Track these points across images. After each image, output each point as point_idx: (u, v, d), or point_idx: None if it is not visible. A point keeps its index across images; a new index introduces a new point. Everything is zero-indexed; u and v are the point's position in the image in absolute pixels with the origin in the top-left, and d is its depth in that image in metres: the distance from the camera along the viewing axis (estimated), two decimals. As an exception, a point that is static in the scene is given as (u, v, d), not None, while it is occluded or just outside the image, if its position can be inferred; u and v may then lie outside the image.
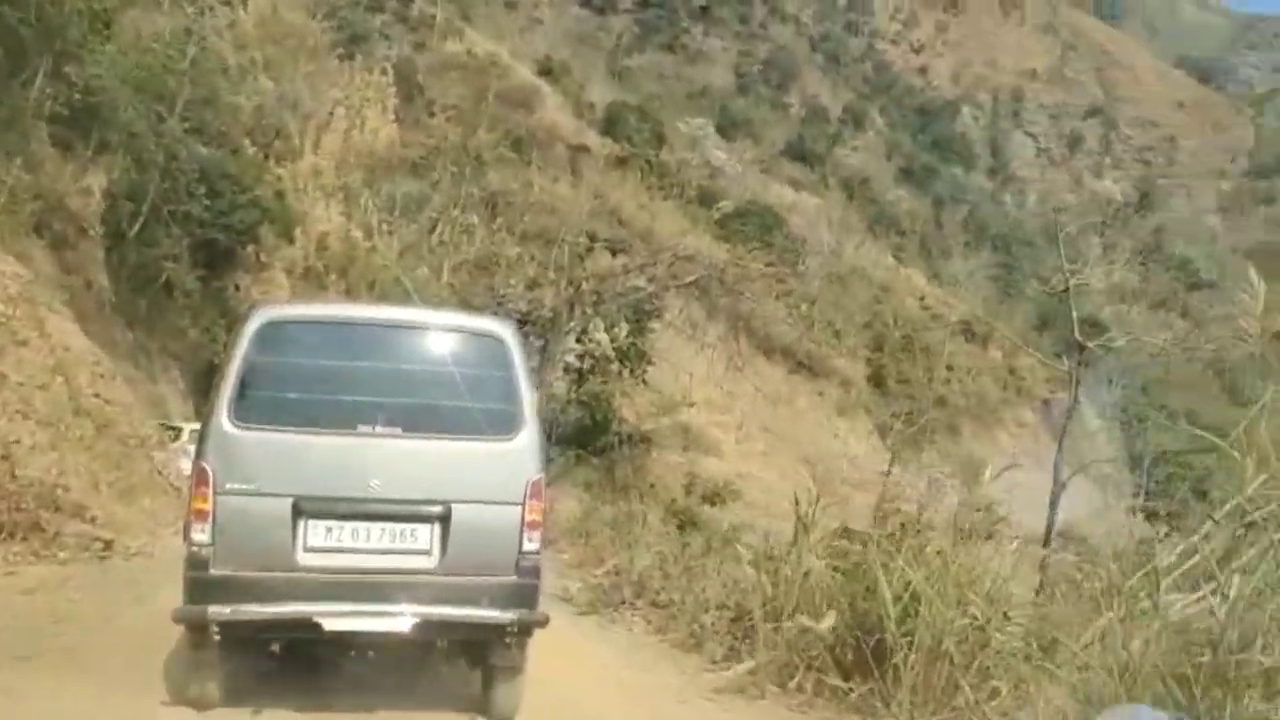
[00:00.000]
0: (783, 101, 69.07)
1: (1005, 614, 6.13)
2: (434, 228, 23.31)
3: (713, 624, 7.75)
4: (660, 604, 8.66)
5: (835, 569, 6.93)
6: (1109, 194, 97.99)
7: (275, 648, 5.45)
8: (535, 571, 5.27)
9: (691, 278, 13.45)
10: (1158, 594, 6.35)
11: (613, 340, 13.10)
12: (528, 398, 5.44)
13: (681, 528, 10.94)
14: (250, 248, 19.88)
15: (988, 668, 5.86)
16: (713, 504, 14.51)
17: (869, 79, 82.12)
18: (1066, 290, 13.18)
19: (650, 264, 13.30)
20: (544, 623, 5.30)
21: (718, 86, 63.61)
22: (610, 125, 32.58)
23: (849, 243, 38.40)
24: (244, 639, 5.02)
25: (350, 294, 21.41)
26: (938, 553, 6.48)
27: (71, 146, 16.83)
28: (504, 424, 5.28)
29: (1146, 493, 23.78)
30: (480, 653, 5.39)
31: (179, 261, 18.57)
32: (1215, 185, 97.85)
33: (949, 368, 33.34)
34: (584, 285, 12.10)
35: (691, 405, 17.60)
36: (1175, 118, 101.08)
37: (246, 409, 5.03)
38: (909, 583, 6.04)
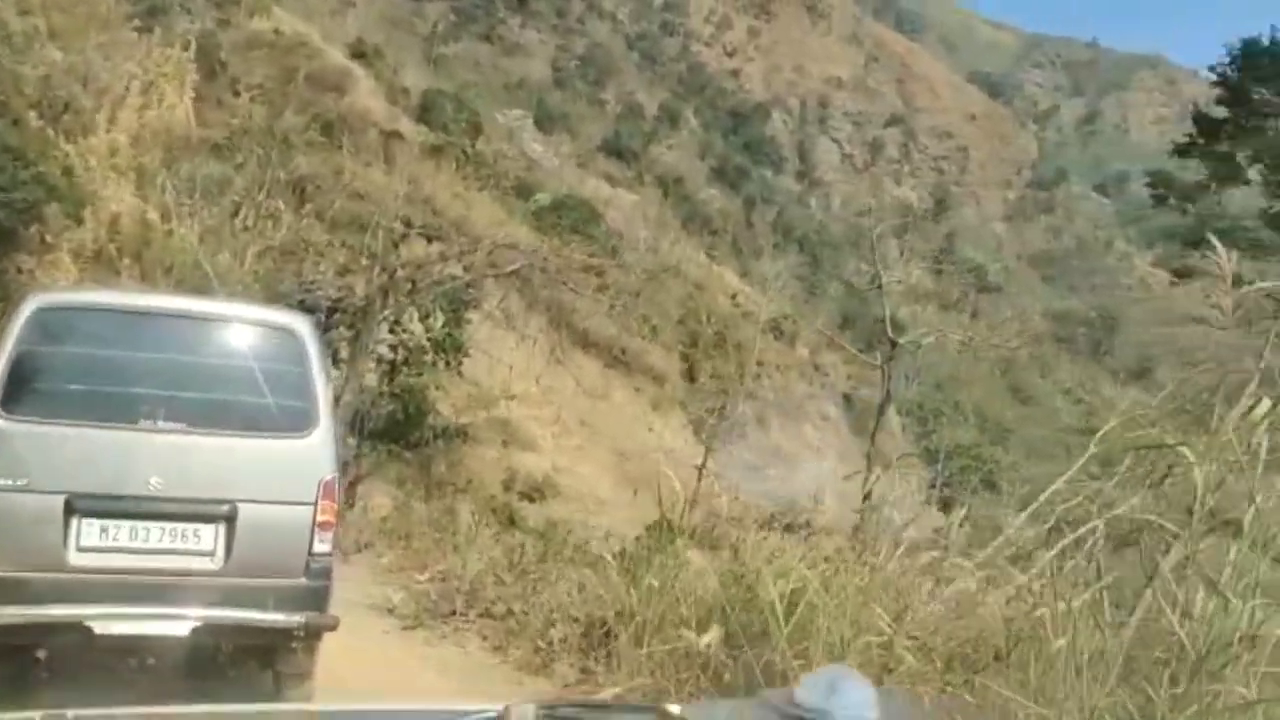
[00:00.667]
0: (599, 97, 69.37)
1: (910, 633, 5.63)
2: (237, 212, 22.18)
3: (563, 639, 7.21)
4: (497, 615, 8.03)
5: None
6: (907, 200, 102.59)
7: (41, 655, 5.09)
8: (326, 573, 5.14)
9: (512, 266, 13.18)
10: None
11: (428, 331, 12.74)
12: (323, 394, 5.26)
13: (502, 525, 10.70)
14: (34, 228, 18.44)
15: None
16: (532, 500, 14.27)
17: (684, 79, 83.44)
18: (879, 288, 13.66)
19: (469, 252, 12.96)
20: (333, 626, 5.15)
21: (534, 79, 63.33)
22: (425, 112, 31.88)
23: (664, 239, 38.80)
24: (8, 645, 4.73)
25: (145, 280, 20.17)
26: (825, 558, 6.27)
27: None
28: (297, 421, 5.11)
29: (944, 484, 24.95)
30: (269, 658, 5.21)
31: (-48, 241, 17.08)
32: (1002, 194, 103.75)
33: (759, 364, 34.04)
34: (398, 273, 11.65)
35: (512, 398, 17.34)
36: (967, 129, 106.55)
37: (17, 400, 4.76)
38: (792, 590, 5.63)
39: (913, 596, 6.16)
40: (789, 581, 5.67)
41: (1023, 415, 71.73)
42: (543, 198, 30.07)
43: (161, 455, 4.91)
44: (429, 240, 14.02)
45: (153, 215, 21.27)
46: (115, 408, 4.95)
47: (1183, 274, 22.65)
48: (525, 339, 18.96)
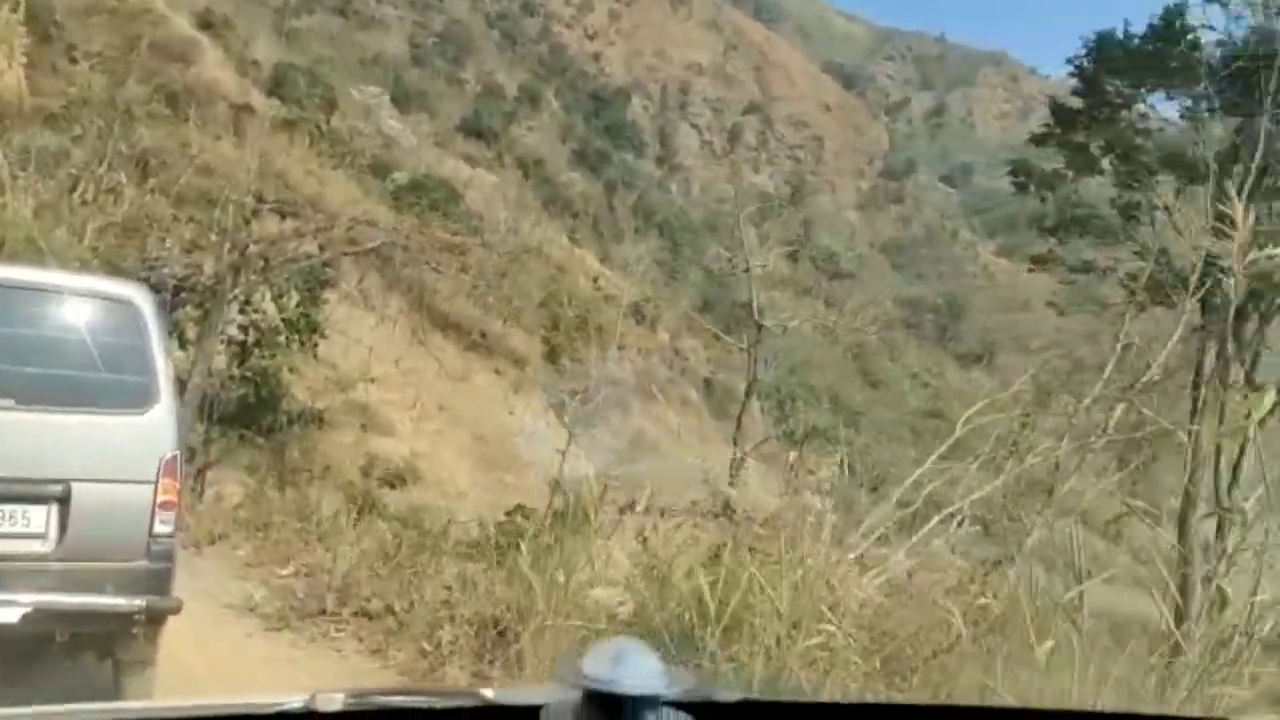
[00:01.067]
0: (458, 76, 68.29)
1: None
2: (75, 186, 21.02)
3: (452, 641, 6.63)
4: (374, 614, 7.38)
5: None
6: (764, 187, 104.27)
7: None
8: (168, 555, 4.97)
9: (372, 244, 12.77)
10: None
11: (281, 310, 12.24)
12: (163, 369, 5.06)
13: (362, 513, 10.34)
14: None
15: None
16: (393, 486, 13.85)
17: (544, 61, 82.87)
18: (747, 271, 13.79)
19: (326, 228, 12.50)
20: (176, 609, 4.97)
21: (391, 55, 61.90)
22: (277, 86, 30.81)
23: (525, 221, 38.51)
24: None
25: (-27, 255, 18.97)
26: (751, 549, 5.74)
27: None
28: (136, 396, 4.90)
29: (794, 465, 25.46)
30: (108, 645, 4.97)
31: None
32: (855, 184, 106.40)
33: (620, 347, 34.11)
34: (250, 249, 11.13)
35: (371, 381, 16.86)
36: (822, 119, 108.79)
37: None
38: (716, 584, 5.20)
39: (846, 590, 5.98)
40: (718, 576, 5.37)
41: (873, 399, 73.80)
42: (400, 176, 29.47)
43: None
44: (283, 217, 13.43)
45: (-20, 187, 20.01)
46: None
47: (1039, 261, 23.49)
48: (384, 320, 18.48)
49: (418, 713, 1.32)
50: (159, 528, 4.88)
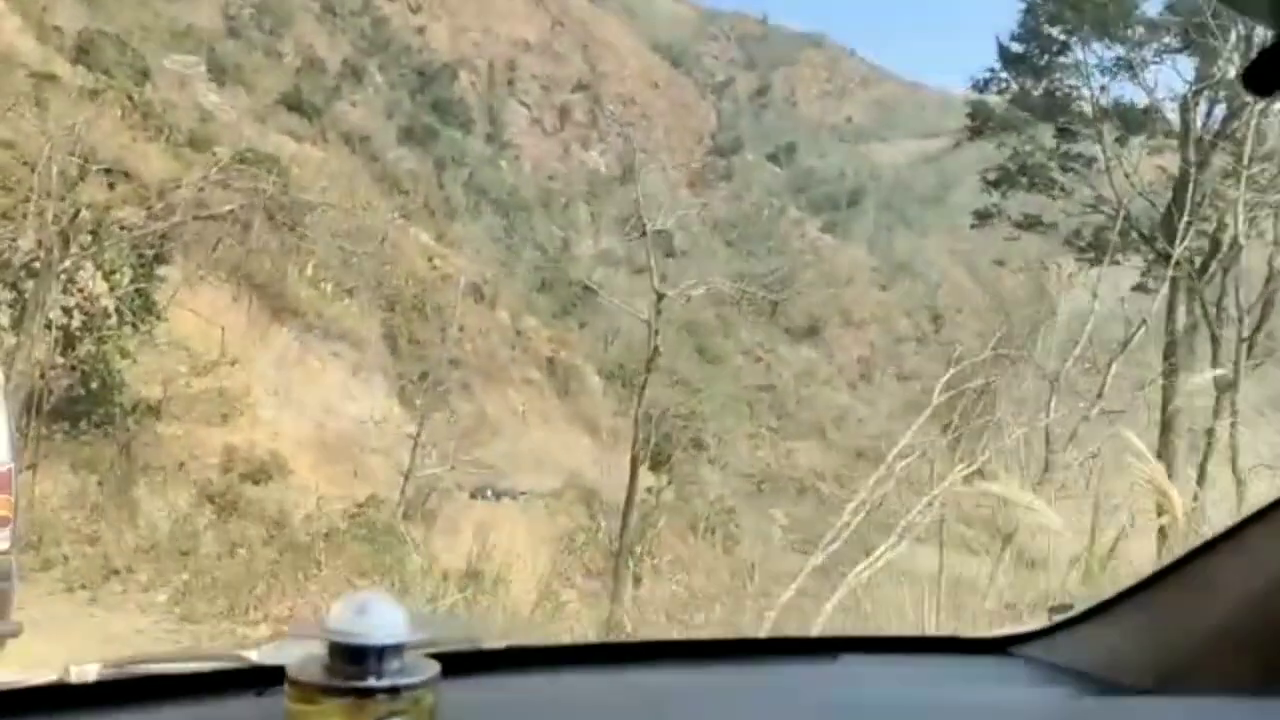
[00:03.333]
0: (277, 49, 65.35)
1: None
2: None
3: None
4: None
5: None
6: (595, 165, 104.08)
7: None
8: (4, 575, 4.73)
9: (228, 207, 11.68)
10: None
11: (112, 289, 11.03)
12: None
13: (221, 513, 9.40)
14: None
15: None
16: (257, 482, 12.69)
17: (367, 34, 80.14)
18: (643, 234, 13.49)
19: (171, 189, 11.32)
20: (15, 633, 4.78)
21: (205, 27, 58.68)
22: (83, 54, 28.63)
23: (355, 200, 37.09)
24: None
25: None
26: None
27: None
28: None
29: (654, 445, 25.25)
30: None
31: None
32: (685, 162, 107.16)
33: (460, 328, 33.34)
34: (81, 214, 9.87)
35: (221, 366, 15.60)
36: (651, 97, 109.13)
37: None
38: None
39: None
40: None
41: (710, 374, 74.69)
42: (222, 151, 27.79)
43: None
44: (111, 186, 12.08)
45: None
46: None
47: (983, 216, 23.52)
48: (236, 301, 17.11)
49: (178, 678, 1.27)
50: None
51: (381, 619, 0.99)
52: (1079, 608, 1.67)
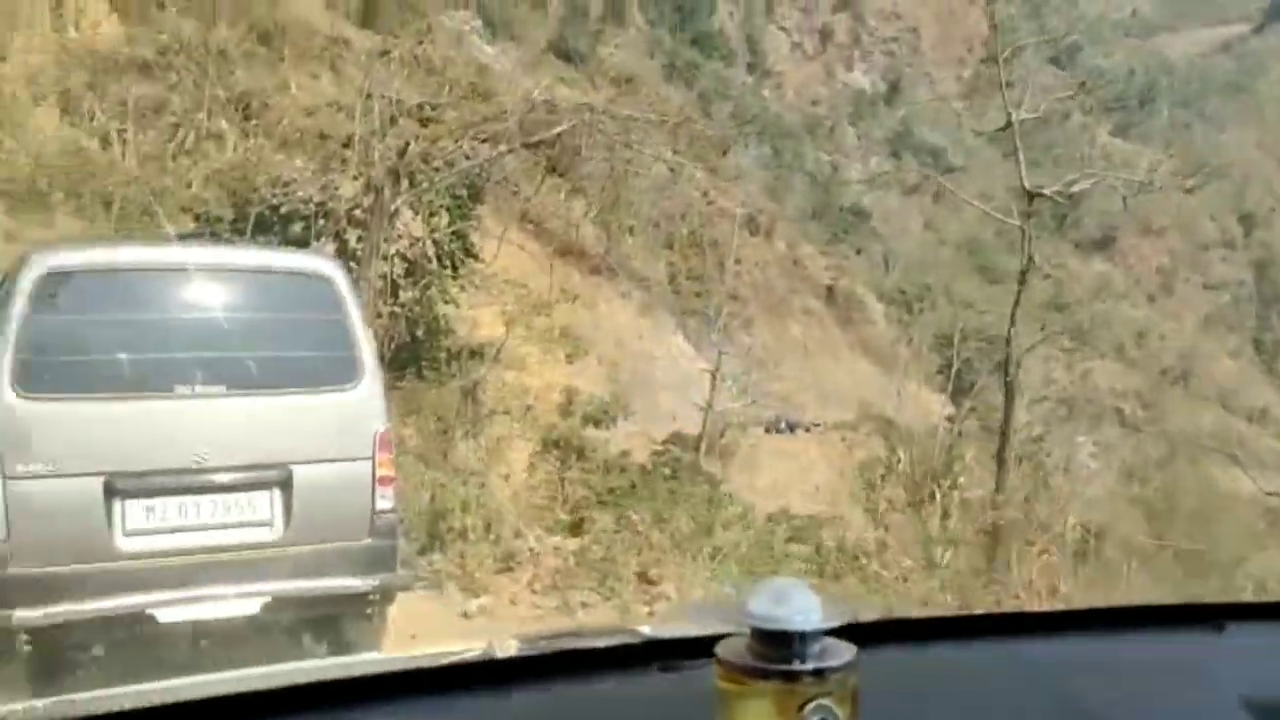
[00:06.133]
0: (542, 0, 66.70)
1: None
2: (175, 134, 20.32)
3: None
4: None
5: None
6: (859, 85, 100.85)
7: (99, 651, 4.51)
8: (392, 531, 4.89)
9: (557, 129, 11.51)
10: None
11: (432, 231, 11.07)
12: (365, 341, 4.96)
13: (564, 461, 9.32)
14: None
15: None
16: (598, 425, 12.63)
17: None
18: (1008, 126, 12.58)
19: (500, 116, 11.22)
20: (408, 586, 5.05)
21: (473, -17, 60.51)
22: (369, 18, 29.88)
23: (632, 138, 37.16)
24: (59, 644, 4.31)
25: (83, 216, 18.45)
26: None
27: None
28: (341, 372, 4.82)
29: (958, 371, 24.00)
30: (331, 628, 4.84)
31: None
32: (956, 73, 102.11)
33: (737, 261, 32.85)
34: (410, 149, 9.84)
35: (575, 299, 15.46)
36: (916, 9, 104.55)
37: (34, 376, 4.32)
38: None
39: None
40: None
41: (990, 295, 71.26)
42: (503, 100, 28.34)
43: (203, 422, 4.56)
44: (424, 123, 12.09)
45: (89, 144, 19.40)
46: (146, 376, 4.57)
47: None
48: (505, 245, 17.25)
49: (583, 653, 1.35)
50: (380, 504, 4.75)
51: (801, 605, 1.01)
52: None
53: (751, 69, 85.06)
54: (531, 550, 7.36)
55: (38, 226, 17.69)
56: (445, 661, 1.32)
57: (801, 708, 0.99)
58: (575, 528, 8.49)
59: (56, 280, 4.51)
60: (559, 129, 11.62)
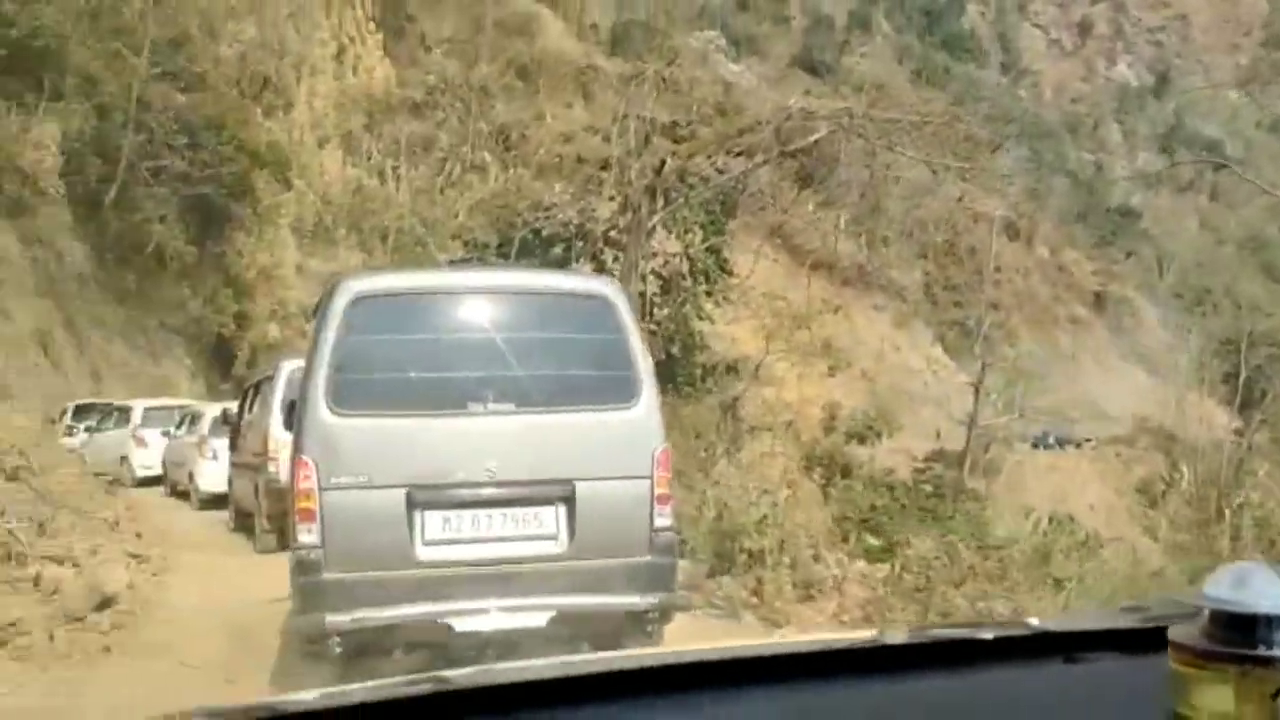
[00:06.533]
0: (784, 15, 66.58)
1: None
2: (443, 168, 21.44)
3: None
4: None
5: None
6: (1123, 79, 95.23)
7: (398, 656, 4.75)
8: (671, 549, 4.95)
9: (814, 136, 11.39)
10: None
11: (687, 247, 11.13)
12: (643, 360, 5.05)
13: (829, 480, 9.12)
14: (246, 203, 18.07)
15: None
16: (862, 441, 12.37)
17: (869, -16, 79.35)
18: None
19: (754, 128, 11.21)
20: (685, 606, 5.04)
21: (715, 4, 61.18)
22: (617, 45, 30.64)
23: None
24: (365, 647, 4.53)
25: (364, 249, 19.74)
26: None
27: (15, 96, 15.10)
28: (621, 391, 4.92)
29: (1247, 380, 22.06)
30: (611, 646, 4.68)
31: (167, 224, 16.81)
32: (1232, 60, 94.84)
33: (996, 269, 31.51)
34: (666, 166, 9.94)
35: (837, 310, 15.22)
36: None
37: (345, 394, 4.63)
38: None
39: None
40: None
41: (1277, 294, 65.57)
42: (749, 116, 28.40)
43: (493, 439, 4.73)
44: (676, 140, 12.20)
45: (368, 181, 20.85)
46: (443, 394, 4.79)
47: None
48: (758, 258, 17.10)
49: (973, 643, 1.30)
50: (659, 521, 4.81)
51: (1266, 589, 0.94)
52: None
53: (1005, 69, 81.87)
54: (835, 577, 7.12)
55: (323, 260, 19.08)
56: (835, 647, 1.32)
57: (1276, 695, 0.92)
58: (884, 552, 8.16)
59: (364, 304, 4.77)
60: (816, 135, 11.39)
